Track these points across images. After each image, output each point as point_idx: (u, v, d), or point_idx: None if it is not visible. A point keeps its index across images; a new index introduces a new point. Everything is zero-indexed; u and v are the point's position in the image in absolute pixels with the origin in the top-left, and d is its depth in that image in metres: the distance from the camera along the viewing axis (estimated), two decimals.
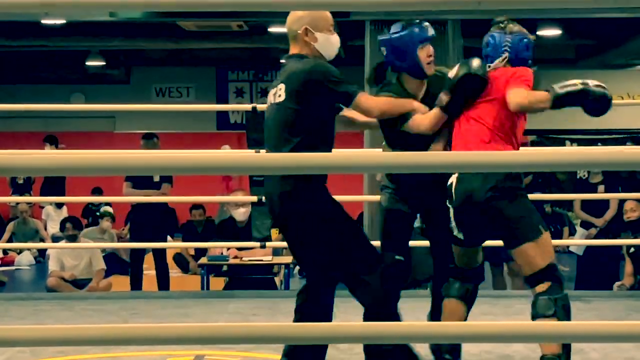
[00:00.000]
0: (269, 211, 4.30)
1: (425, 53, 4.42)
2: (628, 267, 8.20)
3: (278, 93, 4.23)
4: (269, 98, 4.32)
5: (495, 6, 2.20)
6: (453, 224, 4.37)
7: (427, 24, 4.53)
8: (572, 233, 13.14)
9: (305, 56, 4.25)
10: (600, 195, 8.85)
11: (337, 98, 4.22)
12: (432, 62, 4.46)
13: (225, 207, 11.94)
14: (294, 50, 4.37)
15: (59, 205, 14.24)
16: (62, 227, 9.75)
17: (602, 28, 13.37)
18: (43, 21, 11.83)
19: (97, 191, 14.64)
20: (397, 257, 4.52)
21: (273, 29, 13.15)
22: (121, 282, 9.81)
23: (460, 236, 4.39)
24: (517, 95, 4.17)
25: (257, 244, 7.73)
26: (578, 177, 10.18)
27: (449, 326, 2.37)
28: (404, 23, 4.53)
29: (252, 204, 7.00)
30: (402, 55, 4.42)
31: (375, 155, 2.63)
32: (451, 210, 4.35)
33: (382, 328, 2.45)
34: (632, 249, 8.16)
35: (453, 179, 4.31)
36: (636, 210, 8.24)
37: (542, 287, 4.18)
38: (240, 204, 8.76)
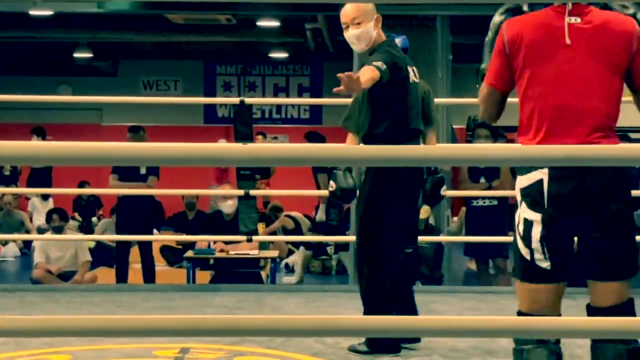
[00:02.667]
0: None
1: None
2: None
3: (414, 73, 4.73)
4: (411, 77, 4.69)
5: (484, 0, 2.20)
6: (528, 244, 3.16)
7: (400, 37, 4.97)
8: None
9: None
10: None
11: None
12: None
13: (212, 201, 11.96)
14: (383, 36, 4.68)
15: (45, 197, 14.21)
16: (49, 218, 9.73)
17: None
18: (31, 12, 11.80)
19: (84, 184, 14.61)
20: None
21: (261, 23, 13.15)
22: (107, 275, 9.80)
23: (547, 265, 3.17)
24: None
25: (244, 237, 7.73)
26: None
27: (436, 320, 2.38)
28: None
29: (239, 197, 6.99)
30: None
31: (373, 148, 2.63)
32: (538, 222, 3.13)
33: (371, 322, 2.45)
34: None
35: (543, 175, 3.10)
36: None
37: None
38: (228, 196, 8.76)
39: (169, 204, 14.03)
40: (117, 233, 9.39)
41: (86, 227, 14.20)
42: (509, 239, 8.29)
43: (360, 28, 4.55)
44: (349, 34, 4.59)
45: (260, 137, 13.67)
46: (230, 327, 2.17)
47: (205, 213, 12.69)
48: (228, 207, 8.84)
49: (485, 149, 2.39)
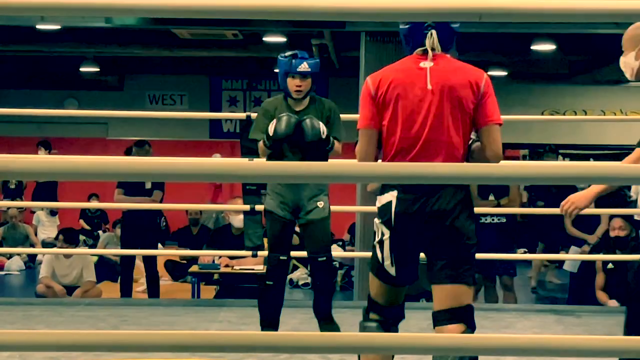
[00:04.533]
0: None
1: (293, 83, 5.30)
2: (599, 280, 8.22)
3: None
4: None
5: (496, 19, 2.20)
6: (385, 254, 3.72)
7: (303, 61, 5.31)
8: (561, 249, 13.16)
9: None
10: (590, 211, 8.85)
11: None
12: (300, 92, 5.32)
13: (223, 214, 11.96)
14: None
15: (53, 213, 14.23)
16: (57, 236, 9.73)
17: (596, 44, 13.41)
18: (38, 26, 11.83)
19: (93, 197, 14.62)
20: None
21: (268, 38, 13.16)
22: (110, 289, 9.79)
23: (394, 272, 3.72)
24: None
25: (249, 252, 7.72)
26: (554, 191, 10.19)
27: (439, 338, 2.37)
28: (285, 53, 5.43)
29: (245, 212, 6.99)
30: (280, 79, 5.41)
31: (367, 165, 2.63)
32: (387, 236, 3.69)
33: (372, 339, 2.45)
34: (610, 265, 8.17)
35: (392, 198, 3.67)
36: (625, 229, 8.24)
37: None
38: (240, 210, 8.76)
39: (174, 218, 14.04)
40: (122, 247, 9.39)
41: (92, 244, 14.21)
42: (517, 256, 8.34)
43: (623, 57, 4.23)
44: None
45: None
46: (235, 343, 2.17)
47: (209, 228, 12.70)
48: (239, 221, 8.83)
49: (478, 167, 2.39)
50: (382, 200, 3.69)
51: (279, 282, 5.35)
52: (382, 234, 3.67)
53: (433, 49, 3.65)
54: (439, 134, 3.61)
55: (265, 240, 5.79)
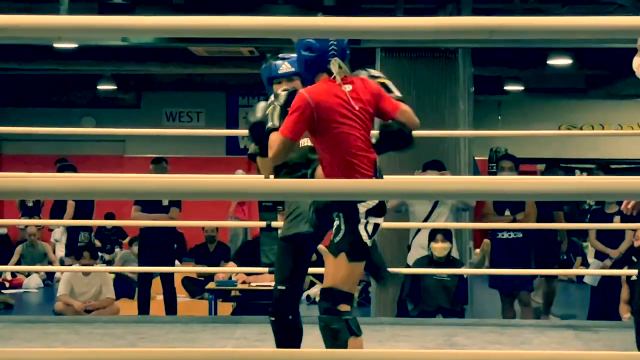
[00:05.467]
0: None
1: (278, 89, 4.55)
2: (624, 293, 8.18)
3: None
4: None
5: (506, 36, 2.21)
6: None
7: (282, 62, 4.67)
8: (583, 264, 13.09)
9: None
10: (615, 226, 8.81)
11: None
12: None
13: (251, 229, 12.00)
14: None
15: None
16: (79, 254, 9.73)
17: (613, 58, 13.38)
18: (55, 45, 11.91)
19: (109, 216, 14.65)
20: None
21: (284, 56, 13.22)
22: (128, 306, 9.80)
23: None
24: None
25: (266, 269, 7.73)
26: (587, 206, 10.17)
27: (459, 355, 2.37)
28: (269, 57, 4.82)
29: (261, 229, 7.00)
30: (267, 90, 4.73)
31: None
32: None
33: (390, 357, 2.45)
34: (633, 277, 8.14)
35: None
36: None
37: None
38: None
39: (191, 235, 14.06)
40: (140, 264, 9.40)
41: (108, 261, 14.24)
42: (534, 271, 8.30)
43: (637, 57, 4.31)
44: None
45: None
46: None
47: (225, 244, 12.72)
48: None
49: (496, 183, 2.39)
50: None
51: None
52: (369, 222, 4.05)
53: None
54: (367, 151, 4.08)
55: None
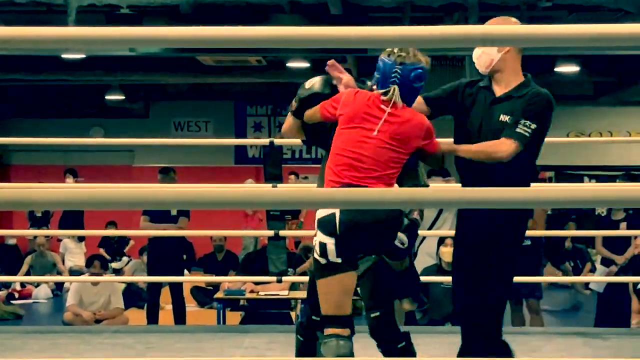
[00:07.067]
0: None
1: None
2: (635, 304, 8.17)
3: None
4: None
5: (502, 45, 2.21)
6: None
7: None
8: (592, 270, 13.08)
9: None
10: (621, 232, 8.81)
11: None
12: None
13: (260, 238, 12.00)
14: None
15: (80, 239, 14.30)
16: (89, 263, 9.75)
17: (621, 64, 13.38)
18: (63, 56, 11.95)
19: (111, 224, 14.69)
20: None
21: (291, 64, 13.23)
22: (137, 316, 9.81)
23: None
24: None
25: (274, 278, 7.73)
26: (596, 213, 10.14)
27: None
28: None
29: (269, 238, 7.00)
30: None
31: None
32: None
33: None
34: (639, 286, 8.13)
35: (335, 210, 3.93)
36: None
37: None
38: None
39: (200, 244, 14.07)
40: (149, 274, 9.41)
41: (116, 269, 14.26)
42: (542, 279, 8.29)
43: None
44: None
45: (292, 176, 13.72)
46: None
47: (234, 254, 12.72)
48: None
49: (507, 192, 2.39)
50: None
51: None
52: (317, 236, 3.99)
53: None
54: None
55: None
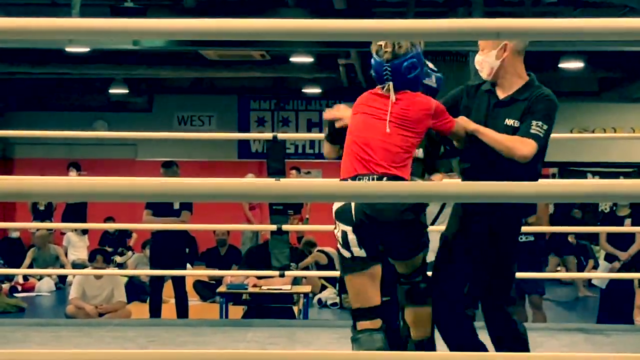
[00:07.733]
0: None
1: None
2: (639, 300, 8.16)
3: None
4: None
5: (514, 37, 2.20)
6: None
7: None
8: (595, 266, 13.08)
9: None
10: (626, 229, 8.79)
11: None
12: None
13: (262, 233, 11.99)
14: None
15: (84, 232, 14.30)
16: (92, 257, 9.75)
17: (626, 61, 13.35)
18: (67, 49, 11.94)
19: (109, 220, 14.67)
20: None
21: (295, 59, 13.22)
22: (140, 309, 9.81)
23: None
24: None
25: (276, 272, 7.73)
26: (600, 210, 10.15)
27: (471, 356, 2.36)
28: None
29: (272, 232, 7.00)
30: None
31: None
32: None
33: (408, 357, 2.44)
34: None
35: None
36: None
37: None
38: None
39: (203, 238, 14.07)
40: (151, 268, 9.42)
41: (119, 263, 14.26)
42: (546, 275, 8.28)
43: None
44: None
45: (294, 171, 13.72)
46: None
47: (237, 248, 12.72)
48: None
49: (511, 186, 2.38)
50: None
51: None
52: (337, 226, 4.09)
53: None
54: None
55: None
